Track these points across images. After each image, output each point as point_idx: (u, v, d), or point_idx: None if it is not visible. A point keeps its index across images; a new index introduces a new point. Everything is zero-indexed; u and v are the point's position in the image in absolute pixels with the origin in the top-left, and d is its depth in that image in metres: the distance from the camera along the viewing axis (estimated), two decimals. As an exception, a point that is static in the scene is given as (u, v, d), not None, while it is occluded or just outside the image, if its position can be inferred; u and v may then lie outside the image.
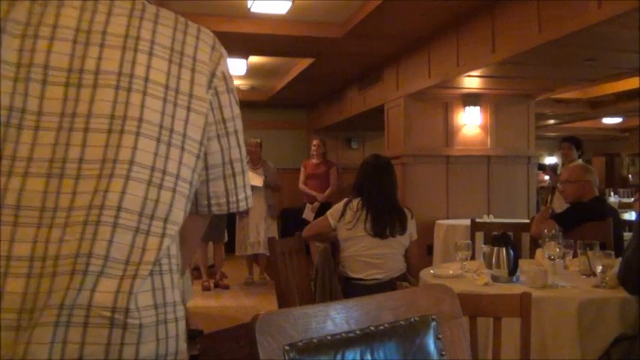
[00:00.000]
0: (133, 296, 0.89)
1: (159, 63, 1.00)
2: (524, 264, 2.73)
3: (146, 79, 0.97)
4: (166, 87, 0.99)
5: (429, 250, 6.43)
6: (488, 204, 7.15)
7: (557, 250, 2.78)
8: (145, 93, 0.96)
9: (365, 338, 1.10)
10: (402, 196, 6.80)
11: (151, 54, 0.99)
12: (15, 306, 0.84)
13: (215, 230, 6.57)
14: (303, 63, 7.82)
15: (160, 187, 0.95)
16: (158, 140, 0.95)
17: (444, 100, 7.13)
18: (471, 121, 7.21)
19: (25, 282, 0.85)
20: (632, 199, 12.38)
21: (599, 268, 2.41)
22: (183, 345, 1.00)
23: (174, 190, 0.97)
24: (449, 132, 7.17)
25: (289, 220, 8.58)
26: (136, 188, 0.92)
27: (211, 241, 6.90)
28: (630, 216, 7.47)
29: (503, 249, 2.60)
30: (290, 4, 5.11)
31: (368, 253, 3.13)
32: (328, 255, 3.14)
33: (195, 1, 5.50)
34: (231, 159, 1.12)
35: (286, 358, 0.97)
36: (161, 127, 0.96)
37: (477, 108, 7.16)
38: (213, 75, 1.07)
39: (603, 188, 13.09)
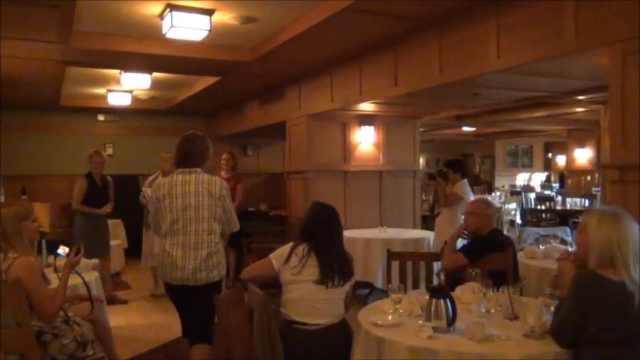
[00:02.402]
0: None
1: (205, 198, 3.31)
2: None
3: (203, 205, 3.30)
4: (209, 205, 3.32)
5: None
6: (380, 215, 7.24)
7: (488, 302, 2.77)
8: (203, 208, 3.30)
9: None
10: (304, 210, 6.67)
11: (201, 196, 3.30)
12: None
13: (100, 245, 5.91)
14: (209, 79, 7.42)
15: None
16: (209, 217, 3.32)
17: (342, 120, 7.10)
18: (365, 139, 7.24)
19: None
20: (488, 196, 13.21)
21: (530, 320, 2.41)
22: None
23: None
24: (346, 149, 7.16)
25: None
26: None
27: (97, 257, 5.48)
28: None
29: (442, 301, 2.53)
30: (206, 32, 4.76)
31: (311, 298, 2.92)
32: (266, 302, 2.91)
33: (107, 19, 4.98)
34: (229, 219, 3.44)
35: None
36: (209, 215, 3.32)
37: (372, 127, 7.20)
38: (220, 196, 3.35)
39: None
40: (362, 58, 5.69)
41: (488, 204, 3.89)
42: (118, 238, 7.66)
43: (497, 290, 2.91)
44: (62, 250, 3.75)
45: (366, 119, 7.15)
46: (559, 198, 11.13)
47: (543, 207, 10.64)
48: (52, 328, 2.98)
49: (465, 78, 4.35)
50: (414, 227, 7.33)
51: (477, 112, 10.97)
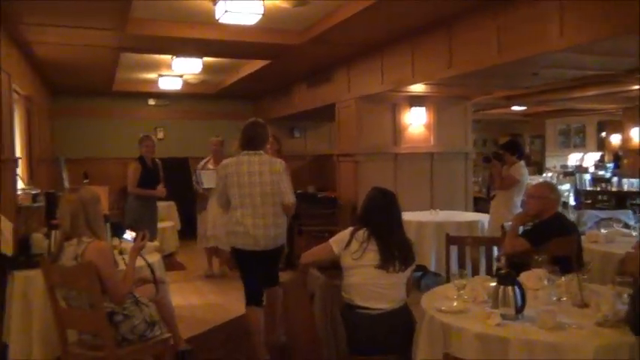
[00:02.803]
0: None
1: (267, 176, 3.85)
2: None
3: (266, 181, 3.84)
4: (272, 181, 3.85)
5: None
6: (431, 197, 7.17)
7: (558, 288, 2.72)
8: (267, 184, 3.84)
9: None
10: (354, 192, 6.71)
11: (264, 174, 3.85)
12: None
13: (152, 227, 5.87)
14: (257, 63, 7.46)
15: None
16: (271, 191, 3.85)
17: (393, 102, 7.03)
18: (416, 121, 7.15)
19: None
20: (540, 177, 12.86)
21: (603, 308, 2.36)
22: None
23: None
24: (396, 131, 7.10)
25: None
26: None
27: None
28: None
29: (510, 287, 2.50)
30: (260, 16, 4.77)
31: (373, 283, 2.93)
32: (328, 286, 2.94)
33: (162, 5, 5.04)
34: (282, 189, 3.87)
35: None
36: (272, 190, 3.85)
37: (422, 108, 7.11)
38: (279, 172, 3.87)
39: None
40: (414, 40, 5.60)
41: (552, 188, 3.78)
42: (171, 219, 7.84)
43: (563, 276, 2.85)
44: (129, 234, 3.88)
45: (416, 100, 7.06)
46: (615, 179, 10.76)
47: (599, 188, 10.31)
48: (123, 309, 3.09)
49: (525, 57, 4.23)
50: (466, 210, 7.24)
51: (527, 92, 10.68)
